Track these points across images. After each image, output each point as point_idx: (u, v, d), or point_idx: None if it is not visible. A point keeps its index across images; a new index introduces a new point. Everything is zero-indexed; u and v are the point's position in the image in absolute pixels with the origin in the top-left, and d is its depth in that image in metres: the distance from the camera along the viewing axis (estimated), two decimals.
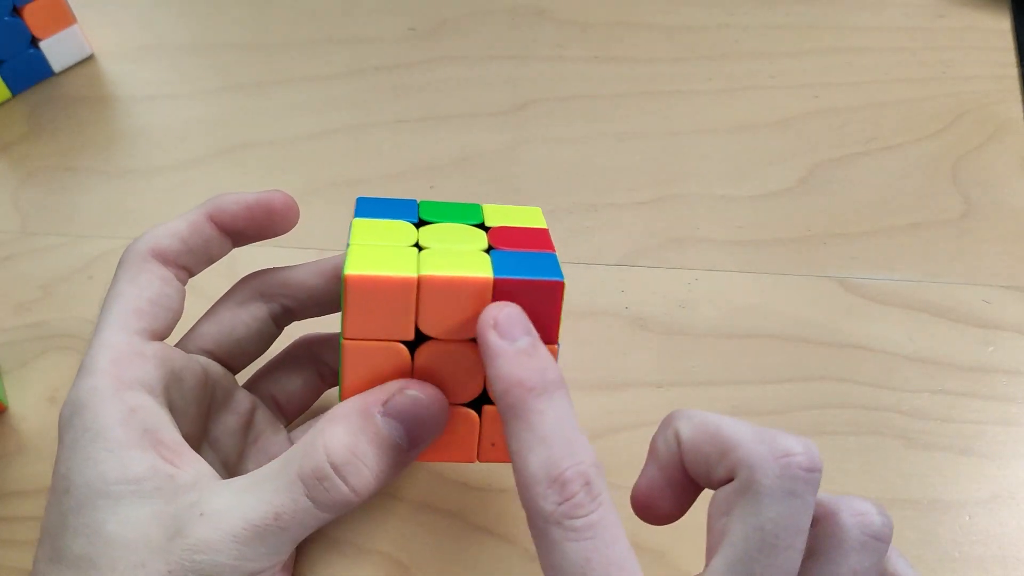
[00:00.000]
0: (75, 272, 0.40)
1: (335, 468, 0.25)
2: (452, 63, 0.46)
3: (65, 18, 0.45)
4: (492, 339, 0.24)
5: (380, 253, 0.26)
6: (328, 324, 0.32)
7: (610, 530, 0.22)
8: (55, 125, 0.45)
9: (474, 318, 0.25)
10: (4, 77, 0.45)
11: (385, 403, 0.26)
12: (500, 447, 0.30)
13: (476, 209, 0.29)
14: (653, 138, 0.43)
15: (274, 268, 0.31)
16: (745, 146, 0.43)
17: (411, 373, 0.27)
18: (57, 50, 0.46)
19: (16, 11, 0.43)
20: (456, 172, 0.42)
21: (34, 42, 0.45)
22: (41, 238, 0.41)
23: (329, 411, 0.26)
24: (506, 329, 0.24)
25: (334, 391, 0.34)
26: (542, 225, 0.29)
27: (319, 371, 0.33)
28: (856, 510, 0.23)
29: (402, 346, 0.26)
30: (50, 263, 0.40)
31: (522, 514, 0.23)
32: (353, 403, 0.26)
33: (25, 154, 0.44)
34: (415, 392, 0.26)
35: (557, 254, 0.27)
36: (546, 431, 0.23)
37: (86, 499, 0.25)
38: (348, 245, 0.26)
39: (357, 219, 0.28)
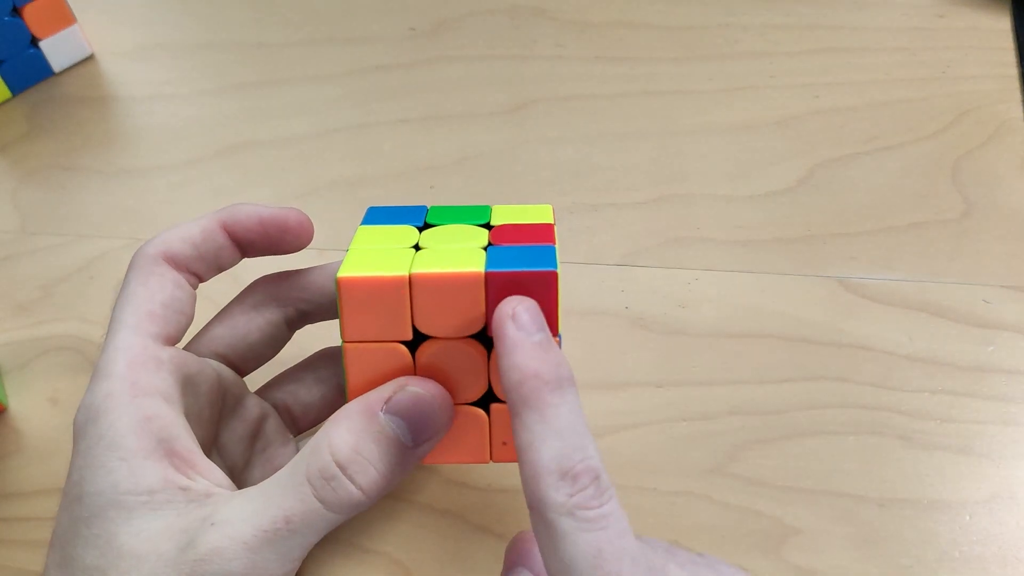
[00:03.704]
0: (75, 272, 0.40)
1: (341, 468, 0.25)
2: (452, 63, 0.46)
3: (65, 18, 0.45)
4: (510, 331, 0.24)
5: (375, 256, 0.26)
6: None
7: (620, 523, 0.22)
8: (55, 125, 0.45)
9: (470, 315, 0.25)
10: (4, 77, 0.45)
11: (387, 401, 0.26)
12: (512, 446, 0.30)
13: (485, 211, 0.29)
14: (653, 138, 0.43)
15: (288, 271, 0.31)
16: (745, 146, 0.43)
17: (414, 373, 0.27)
18: (57, 50, 0.46)
19: (16, 11, 0.43)
20: (456, 172, 0.42)
21: (34, 42, 0.45)
22: (41, 238, 0.41)
23: (334, 413, 0.26)
24: (524, 322, 0.24)
25: None
26: (549, 221, 0.29)
27: (339, 384, 0.32)
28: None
29: (402, 347, 0.26)
30: (50, 263, 0.40)
31: (523, 514, 0.23)
32: (356, 403, 0.26)
33: (25, 154, 0.44)
34: (416, 388, 0.26)
35: (557, 247, 0.27)
36: (560, 425, 0.23)
37: (98, 509, 0.24)
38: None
39: (362, 226, 0.28)
